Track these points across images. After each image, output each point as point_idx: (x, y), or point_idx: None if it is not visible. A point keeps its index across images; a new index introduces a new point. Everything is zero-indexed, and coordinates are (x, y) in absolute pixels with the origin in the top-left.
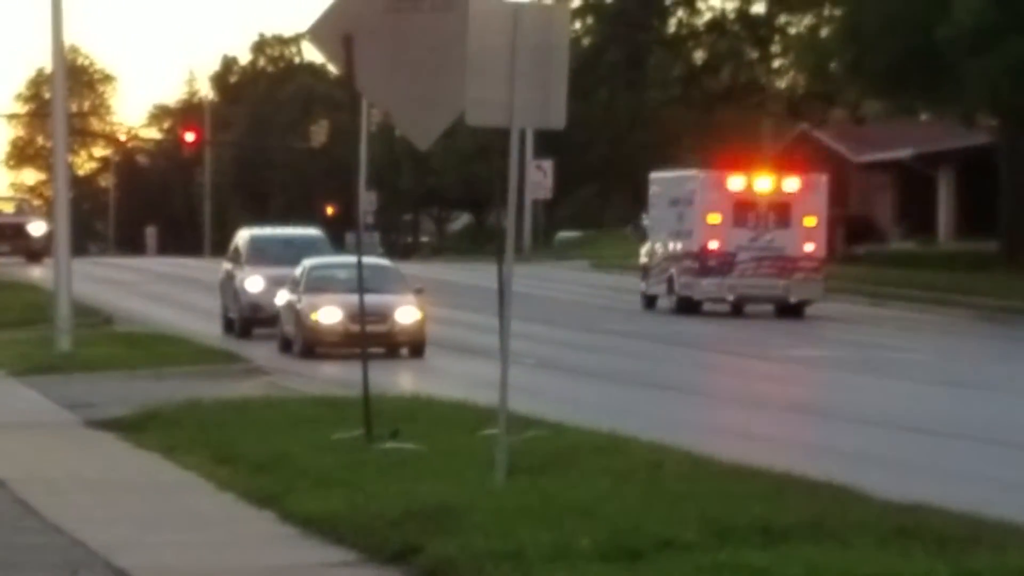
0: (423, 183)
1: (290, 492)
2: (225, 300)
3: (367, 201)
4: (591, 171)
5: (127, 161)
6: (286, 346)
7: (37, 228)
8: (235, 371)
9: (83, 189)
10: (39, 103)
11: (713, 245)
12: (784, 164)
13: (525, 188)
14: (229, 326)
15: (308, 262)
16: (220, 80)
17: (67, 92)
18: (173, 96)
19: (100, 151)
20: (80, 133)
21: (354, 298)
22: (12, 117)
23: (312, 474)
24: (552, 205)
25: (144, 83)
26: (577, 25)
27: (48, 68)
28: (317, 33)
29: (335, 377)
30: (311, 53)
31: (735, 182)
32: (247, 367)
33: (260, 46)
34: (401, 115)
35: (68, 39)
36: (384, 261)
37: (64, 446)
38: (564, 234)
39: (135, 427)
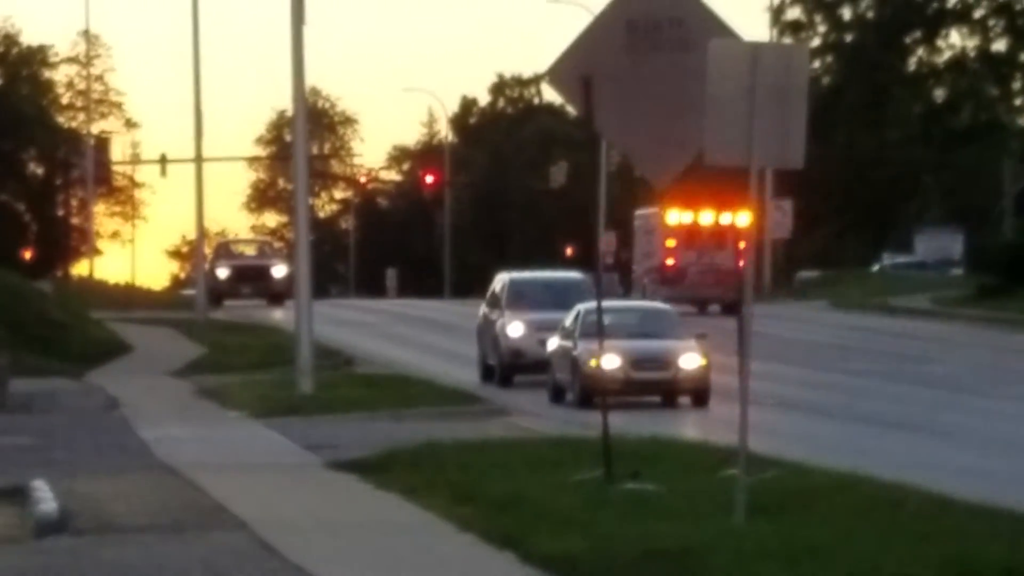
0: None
1: (530, 533)
2: (483, 346)
3: (606, 241)
4: (830, 210)
5: (367, 203)
6: (557, 395)
7: (279, 270)
8: (475, 412)
9: (324, 231)
10: (280, 146)
11: (670, 262)
12: (722, 201)
13: (765, 228)
14: (488, 373)
15: (583, 306)
16: (459, 121)
17: (308, 135)
18: (412, 138)
19: (340, 193)
20: (321, 175)
21: (634, 344)
22: (254, 160)
23: (552, 515)
24: (791, 244)
25: (384, 125)
26: (816, 64)
27: (289, 111)
28: (556, 75)
29: (575, 419)
30: (550, 94)
31: (685, 216)
32: (487, 408)
33: (499, 87)
34: (639, 155)
35: (309, 81)
36: (663, 306)
37: (305, 487)
38: (804, 273)
39: (375, 468)
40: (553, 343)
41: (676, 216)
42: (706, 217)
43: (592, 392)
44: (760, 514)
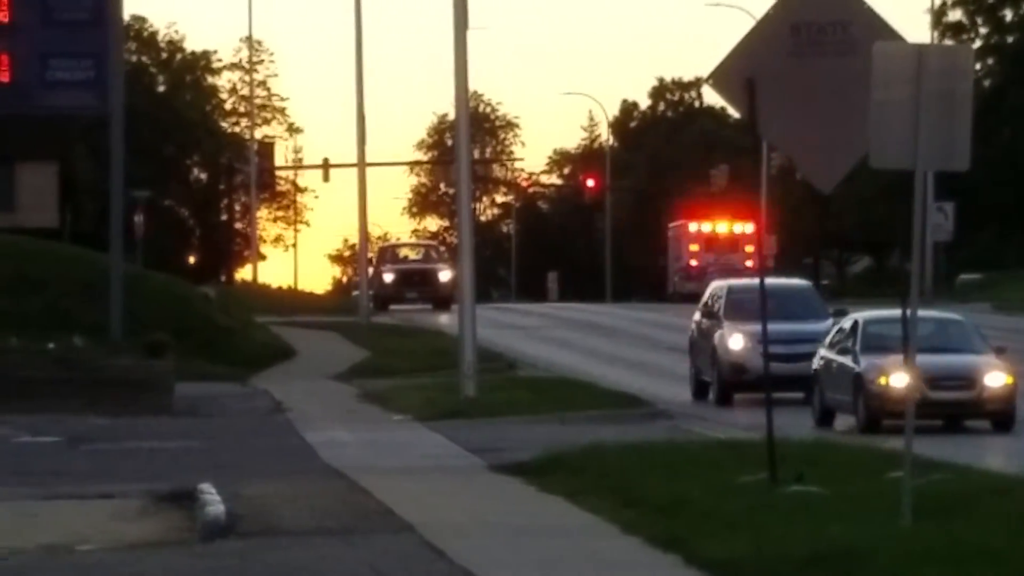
0: (822, 226)
1: (695, 535)
2: (697, 361)
3: (766, 245)
4: (993, 213)
5: (528, 207)
6: (825, 417)
7: (445, 274)
8: (638, 415)
9: (485, 235)
10: (442, 150)
11: (693, 263)
12: (735, 213)
13: (926, 230)
14: (701, 390)
15: (861, 316)
16: (620, 125)
17: (470, 139)
18: (573, 142)
19: (502, 197)
20: (482, 180)
21: (929, 359)
22: (415, 165)
23: (717, 517)
24: (953, 247)
25: (544, 129)
26: (978, 66)
27: (451, 115)
28: (719, 77)
29: (737, 421)
30: (710, 97)
31: (706, 226)
32: (649, 411)
33: (660, 91)
34: (804, 159)
35: (471, 86)
36: (957, 316)
37: (469, 490)
38: (965, 276)
39: (539, 471)
40: (818, 359)
41: (697, 226)
42: (722, 227)
43: (881, 415)
44: (925, 517)
